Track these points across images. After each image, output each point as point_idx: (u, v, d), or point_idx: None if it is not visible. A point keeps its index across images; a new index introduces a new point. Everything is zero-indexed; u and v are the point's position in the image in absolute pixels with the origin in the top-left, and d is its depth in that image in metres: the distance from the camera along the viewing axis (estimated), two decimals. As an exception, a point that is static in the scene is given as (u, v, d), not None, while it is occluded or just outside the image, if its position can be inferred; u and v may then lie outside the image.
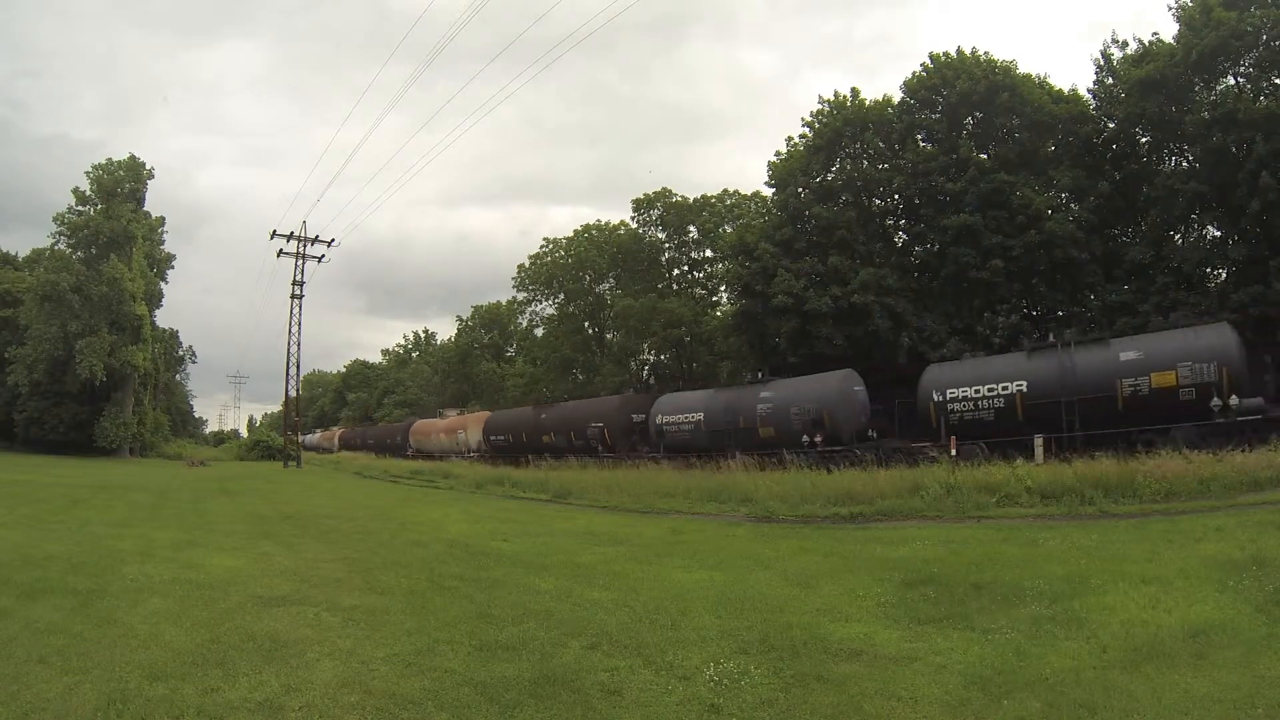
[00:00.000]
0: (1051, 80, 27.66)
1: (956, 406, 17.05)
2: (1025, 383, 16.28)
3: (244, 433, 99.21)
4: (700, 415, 21.77)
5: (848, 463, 16.53)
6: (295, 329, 41.97)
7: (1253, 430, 12.81)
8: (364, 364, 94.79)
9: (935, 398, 17.39)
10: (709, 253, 41.86)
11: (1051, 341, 16.98)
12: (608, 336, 45.19)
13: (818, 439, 18.41)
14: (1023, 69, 27.37)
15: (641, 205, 42.21)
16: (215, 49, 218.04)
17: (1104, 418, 14.99)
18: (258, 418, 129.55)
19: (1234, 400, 13.63)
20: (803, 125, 30.11)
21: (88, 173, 45.58)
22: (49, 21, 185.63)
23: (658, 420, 22.94)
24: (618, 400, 25.86)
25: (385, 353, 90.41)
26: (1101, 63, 26.61)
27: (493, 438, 30.78)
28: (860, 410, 19.30)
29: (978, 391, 16.88)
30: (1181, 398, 14.29)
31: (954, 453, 13.70)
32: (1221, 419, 13.59)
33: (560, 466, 21.63)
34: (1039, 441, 14.41)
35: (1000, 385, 16.67)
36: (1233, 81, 22.99)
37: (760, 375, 22.65)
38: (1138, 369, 14.98)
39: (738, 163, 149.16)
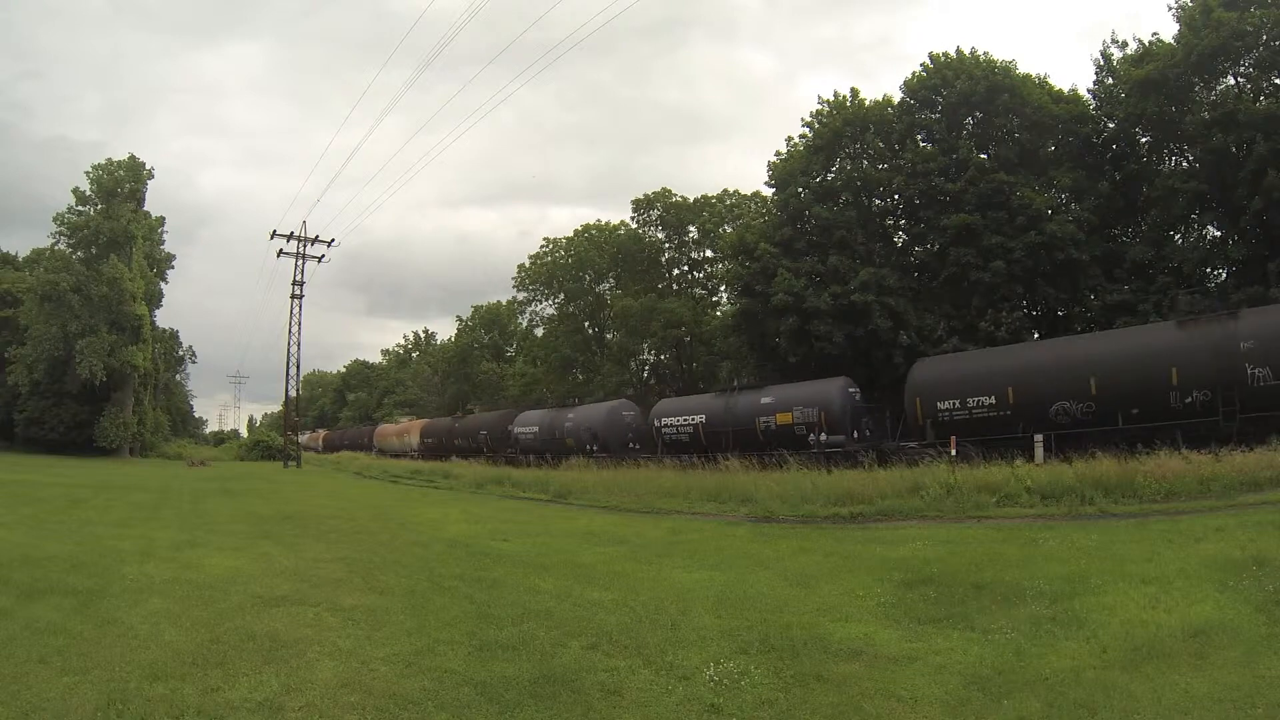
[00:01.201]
0: (1051, 80, 27.72)
1: (668, 429, 24.15)
2: (704, 416, 23.17)
3: (244, 433, 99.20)
4: (558, 423, 28.28)
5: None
6: (295, 329, 42.00)
7: (840, 456, 17.59)
8: (364, 364, 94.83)
9: (656, 423, 24.78)
10: (709, 253, 41.92)
11: (723, 388, 24.96)
12: (608, 336, 45.21)
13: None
14: (1022, 69, 27.42)
15: (641, 205, 42.23)
16: (216, 51, 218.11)
17: (750, 443, 20.54)
18: (258, 418, 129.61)
19: (823, 436, 19.05)
20: (803, 125, 30.19)
21: (88, 173, 45.62)
22: (50, 23, 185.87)
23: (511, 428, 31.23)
24: (496, 415, 35.22)
25: (385, 353, 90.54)
26: (1101, 63, 26.66)
27: (425, 440, 40.39)
28: (626, 428, 26.33)
29: (683, 419, 23.88)
30: (796, 432, 19.91)
31: (953, 453, 13.72)
32: (815, 449, 18.40)
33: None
34: (1039, 440, 14.45)
35: (694, 416, 23.54)
36: (1233, 81, 23.00)
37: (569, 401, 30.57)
38: (770, 410, 20.87)
39: (737, 164, 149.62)
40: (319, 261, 42.62)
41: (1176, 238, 25.13)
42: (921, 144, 27.71)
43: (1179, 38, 23.22)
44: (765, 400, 21.36)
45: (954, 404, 17.19)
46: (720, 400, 23.19)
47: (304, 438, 75.16)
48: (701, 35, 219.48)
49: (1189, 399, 13.97)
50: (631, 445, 24.89)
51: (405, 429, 44.89)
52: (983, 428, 16.31)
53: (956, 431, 16.11)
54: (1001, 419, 16.25)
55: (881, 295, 25.45)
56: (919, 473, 12.59)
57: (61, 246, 45.48)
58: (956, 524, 10.13)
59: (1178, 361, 14.19)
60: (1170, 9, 24.20)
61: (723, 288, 40.30)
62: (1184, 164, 24.73)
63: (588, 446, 25.10)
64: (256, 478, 29.27)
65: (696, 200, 41.55)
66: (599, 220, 47.61)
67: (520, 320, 55.12)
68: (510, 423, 31.18)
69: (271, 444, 53.88)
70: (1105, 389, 14.87)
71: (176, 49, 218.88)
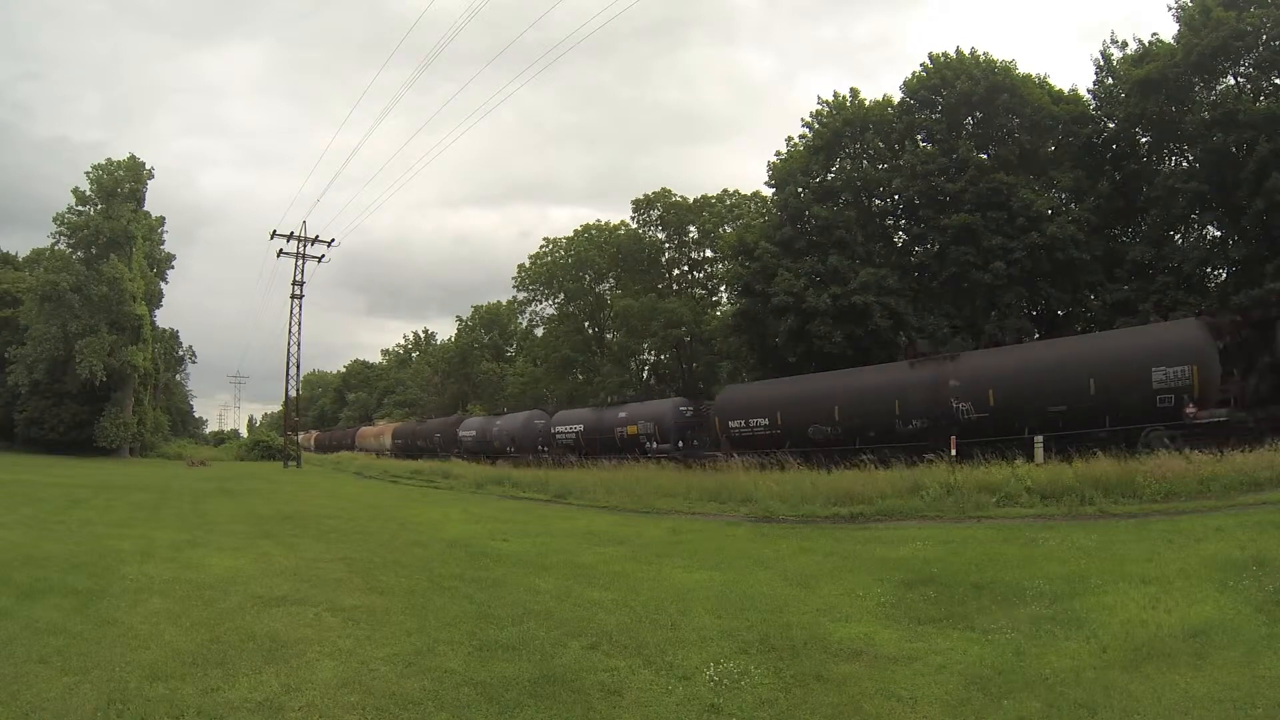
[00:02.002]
0: (1051, 80, 27.75)
1: (560, 435, 28.59)
2: (584, 425, 27.90)
3: (244, 433, 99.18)
4: (489, 428, 33.81)
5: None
6: (295, 329, 42.00)
7: (667, 459, 21.49)
8: (364, 364, 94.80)
9: (553, 429, 29.27)
10: (709, 253, 41.91)
11: (597, 404, 30.01)
12: (608, 336, 45.21)
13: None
14: (1022, 70, 27.44)
15: (641, 205, 42.23)
16: (216, 51, 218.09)
17: (611, 449, 25.33)
18: (258, 418, 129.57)
19: (655, 444, 24.25)
20: (802, 125, 30.21)
21: (88, 173, 45.55)
22: (51, 24, 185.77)
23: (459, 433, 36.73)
24: (444, 421, 41.77)
25: (385, 353, 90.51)
26: (1101, 63, 26.66)
27: (396, 440, 45.34)
28: (537, 434, 30.59)
29: (570, 428, 28.48)
30: (640, 441, 24.95)
31: (953, 453, 13.71)
32: (650, 454, 23.08)
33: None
34: (1038, 442, 14.44)
35: (576, 425, 28.20)
36: (1233, 81, 23.00)
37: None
38: (624, 423, 25.89)
39: (736, 165, 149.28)
40: (319, 261, 42.65)
41: (1177, 238, 25.14)
42: (921, 144, 27.73)
43: (1179, 38, 23.23)
44: (621, 415, 26.64)
45: (741, 423, 21.24)
46: (595, 414, 28.46)
47: (299, 438, 76.25)
48: (701, 36, 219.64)
49: (910, 425, 17.04)
50: (540, 449, 29.50)
51: (381, 431, 50.88)
52: (761, 443, 20.17)
53: (742, 445, 20.52)
54: (774, 436, 20.19)
55: (881, 295, 25.46)
56: (919, 473, 12.59)
57: (61, 246, 45.45)
58: (956, 524, 10.13)
59: (902, 395, 17.51)
60: (1170, 9, 24.24)
61: (723, 288, 40.31)
62: (1184, 164, 24.73)
63: (508, 449, 30.85)
64: (256, 478, 29.27)
65: (696, 200, 41.57)
66: (599, 220, 47.65)
67: (520, 320, 55.15)
68: (457, 427, 37.53)
69: (271, 444, 53.88)
70: (846, 416, 18.62)
71: (177, 49, 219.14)
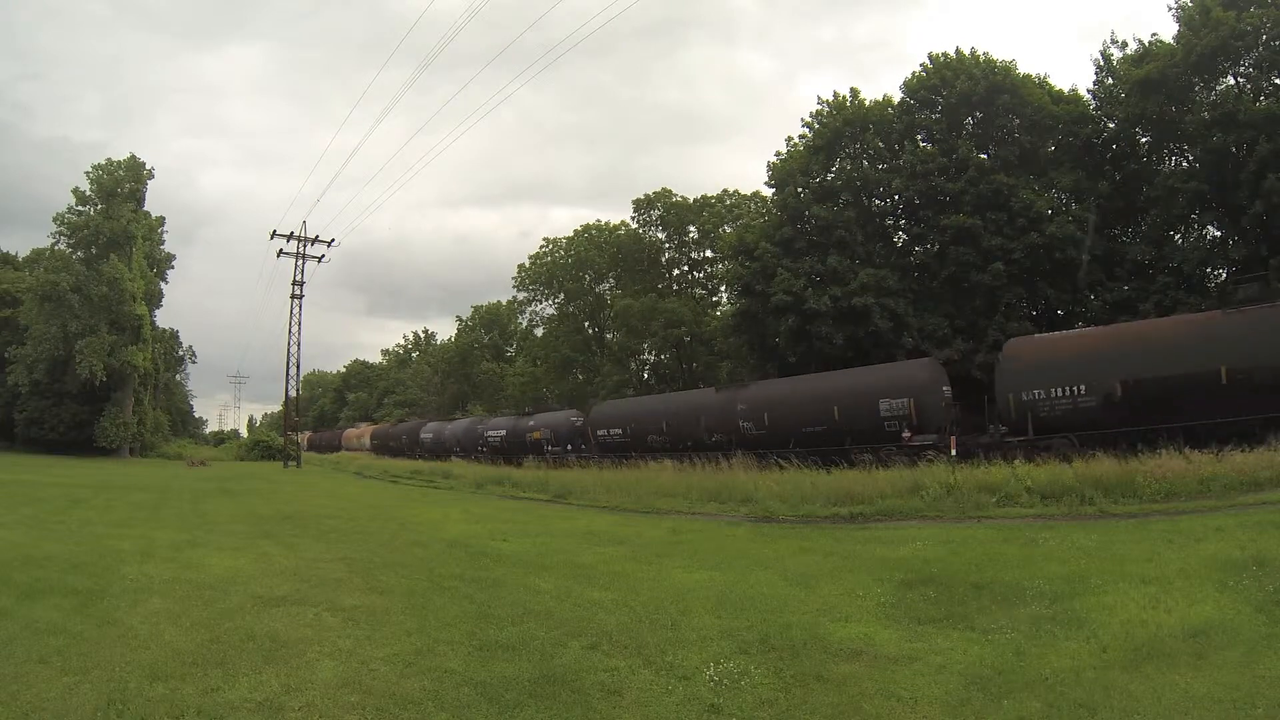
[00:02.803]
0: (1051, 81, 27.71)
1: (489, 438, 33.16)
2: (505, 430, 32.39)
3: (244, 433, 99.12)
4: (441, 432, 39.32)
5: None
6: (295, 329, 42.00)
7: (558, 459, 26.69)
8: (364, 364, 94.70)
9: (484, 433, 33.94)
10: (709, 253, 41.86)
11: (515, 413, 34.82)
12: (608, 336, 45.17)
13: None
14: (1022, 70, 27.39)
15: (641, 205, 42.17)
16: (216, 52, 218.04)
17: (524, 450, 29.88)
18: (258, 418, 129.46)
19: (552, 447, 28.66)
20: (802, 125, 30.16)
21: (87, 173, 45.54)
22: (51, 25, 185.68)
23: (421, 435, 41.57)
24: (409, 425, 45.93)
25: (385, 353, 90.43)
26: (1101, 63, 26.64)
27: (374, 441, 50.19)
28: (478, 437, 35.02)
29: (495, 432, 33.34)
30: (541, 444, 29.34)
31: (953, 452, 13.73)
32: (547, 455, 28.24)
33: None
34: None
35: (500, 430, 32.86)
36: (1233, 81, 23.00)
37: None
38: (531, 430, 30.29)
39: (736, 165, 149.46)
40: (319, 261, 42.66)
41: (1177, 238, 25.14)
42: (921, 144, 27.69)
43: (1179, 38, 23.21)
44: (530, 423, 30.88)
45: (605, 432, 26.31)
46: (512, 420, 33.28)
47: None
48: (701, 36, 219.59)
49: (713, 438, 21.50)
50: (480, 449, 33.96)
51: (362, 433, 56.39)
52: (619, 447, 24.74)
53: (607, 449, 25.24)
54: (626, 443, 24.74)
55: (881, 296, 25.43)
56: (919, 473, 12.62)
57: (61, 246, 45.44)
58: (956, 524, 10.13)
59: (707, 414, 22.17)
60: (1170, 9, 24.21)
61: (723, 288, 40.30)
62: (1184, 164, 24.72)
63: (455, 450, 35.92)
64: (256, 478, 29.28)
65: (696, 200, 41.50)
66: (599, 220, 47.60)
67: (520, 320, 55.08)
68: (419, 431, 42.62)
69: (271, 444, 53.87)
70: (672, 428, 23.44)
71: (177, 50, 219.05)
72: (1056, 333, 18.56)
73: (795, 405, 19.45)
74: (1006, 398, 15.79)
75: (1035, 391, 15.32)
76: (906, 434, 16.68)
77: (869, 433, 17.35)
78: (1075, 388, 14.96)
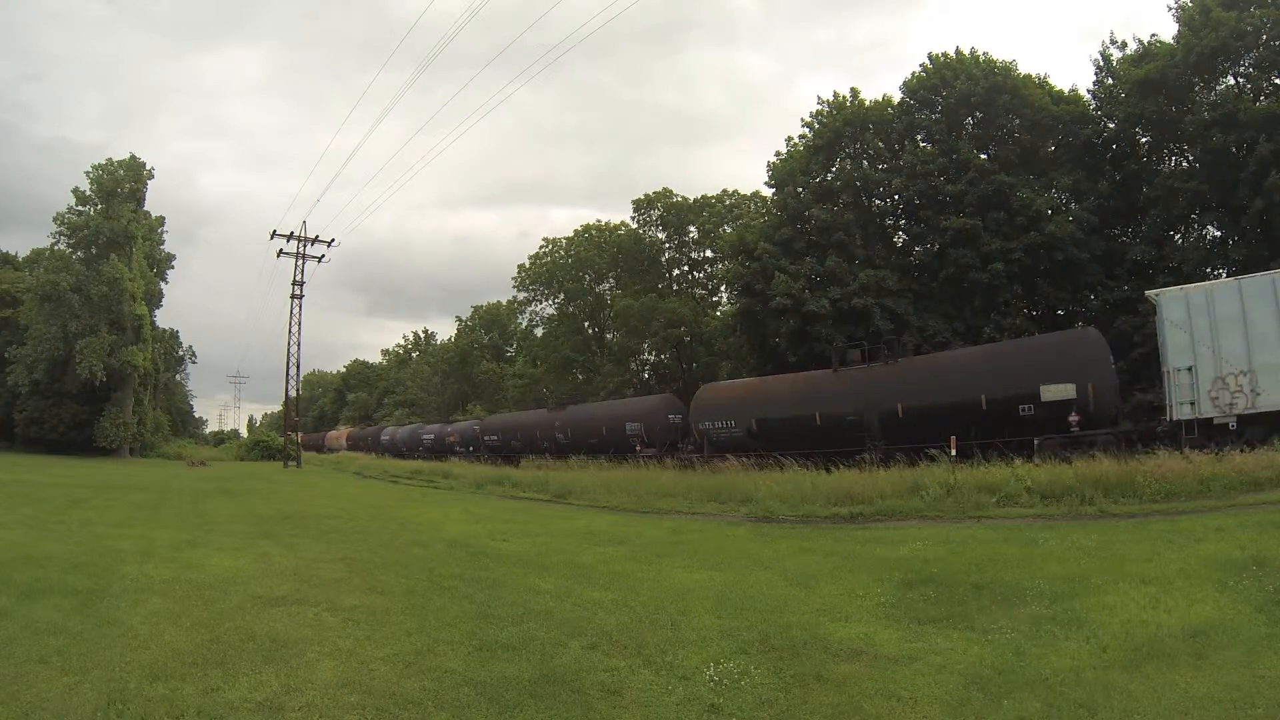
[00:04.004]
0: (1051, 81, 27.72)
1: (424, 439, 41.80)
2: (433, 435, 40.94)
3: (244, 433, 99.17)
4: (400, 434, 47.57)
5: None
6: (295, 329, 42.02)
7: (466, 457, 34.10)
8: (364, 364, 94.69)
9: (424, 436, 42.28)
10: (709, 253, 41.87)
11: (441, 421, 43.22)
12: (608, 336, 45.16)
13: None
14: (1022, 70, 27.41)
15: (641, 205, 42.18)
16: (217, 53, 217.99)
17: (448, 451, 37.15)
18: (258, 418, 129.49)
19: (460, 447, 36.85)
20: (802, 125, 30.17)
21: (88, 173, 45.61)
22: (51, 26, 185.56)
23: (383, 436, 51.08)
24: (374, 429, 57.18)
25: (385, 353, 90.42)
26: (1101, 63, 26.65)
27: (350, 440, 58.24)
28: (418, 439, 43.61)
29: (430, 435, 41.91)
30: (455, 446, 37.07)
31: (953, 452, 13.69)
32: (458, 452, 36.16)
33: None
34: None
35: (431, 434, 41.34)
36: (1233, 81, 22.99)
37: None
38: (449, 434, 38.50)
39: (736, 165, 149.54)
40: (319, 261, 42.70)
41: (1177, 238, 25.13)
42: (921, 144, 27.70)
43: (1178, 38, 23.21)
44: (449, 430, 39.29)
45: (494, 437, 33.40)
46: (439, 426, 41.77)
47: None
48: (700, 38, 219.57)
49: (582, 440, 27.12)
50: (420, 448, 41.19)
51: (341, 434, 64.61)
52: (496, 449, 32.11)
53: (495, 452, 32.15)
54: (510, 446, 31.38)
55: (881, 297, 25.42)
56: (919, 473, 12.60)
57: (61, 246, 45.48)
58: (956, 524, 10.12)
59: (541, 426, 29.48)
60: (1170, 9, 24.23)
61: (723, 288, 40.29)
62: (1184, 164, 24.72)
63: (404, 449, 43.17)
64: (256, 478, 29.28)
65: (696, 200, 41.50)
66: (599, 220, 47.61)
67: (520, 320, 55.08)
68: (380, 434, 51.41)
69: (271, 444, 53.88)
70: (567, 432, 28.18)
71: (177, 51, 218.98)
72: (724, 382, 26.41)
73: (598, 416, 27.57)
74: (694, 427, 22.09)
75: (709, 423, 21.44)
76: (644, 447, 23.57)
77: (658, 437, 24.01)
78: (730, 422, 20.90)
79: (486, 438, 34.00)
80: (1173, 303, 14.30)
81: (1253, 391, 12.86)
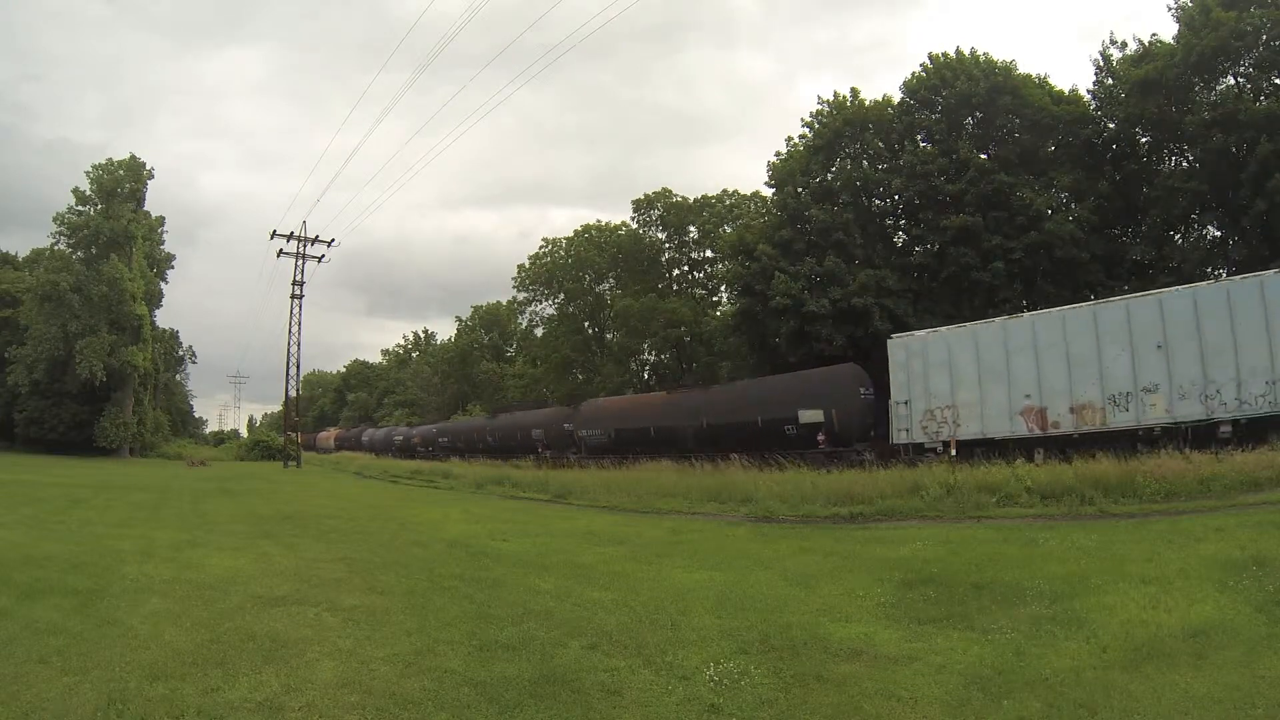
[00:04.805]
0: (1052, 81, 27.71)
1: (396, 439, 47.91)
2: (403, 436, 49.34)
3: (244, 433, 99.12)
4: (378, 435, 55.14)
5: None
6: (295, 329, 42.03)
7: (430, 455, 40.51)
8: (364, 364, 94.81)
9: (395, 438, 49.12)
10: (709, 253, 41.88)
11: (408, 424, 54.86)
12: (608, 336, 45.17)
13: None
14: (1022, 70, 27.40)
15: (641, 205, 42.20)
16: (217, 54, 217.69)
17: (414, 452, 42.84)
18: (258, 418, 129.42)
19: (420, 447, 44.56)
20: (802, 125, 30.17)
21: (88, 173, 45.62)
22: (51, 26, 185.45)
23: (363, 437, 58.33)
24: (356, 430, 64.21)
25: (385, 353, 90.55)
26: (1101, 63, 26.64)
27: (337, 440, 64.52)
28: (390, 440, 50.93)
29: (400, 436, 49.72)
30: (419, 447, 44.06)
31: (954, 453, 13.75)
32: (419, 452, 43.21)
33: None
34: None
35: (400, 436, 50.09)
36: (1233, 82, 22.99)
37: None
38: (413, 435, 47.21)
39: (736, 165, 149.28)
40: (319, 261, 42.71)
41: (1177, 238, 25.14)
42: (921, 144, 27.69)
43: (1178, 38, 23.21)
44: (414, 432, 46.09)
45: (448, 439, 40.01)
46: (406, 429, 48.20)
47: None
48: (700, 38, 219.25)
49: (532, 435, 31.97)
50: (392, 448, 47.09)
51: (330, 435, 70.70)
52: (450, 448, 38.11)
53: (447, 450, 37.83)
54: (445, 446, 38.26)
55: (881, 297, 25.42)
56: (919, 473, 12.62)
57: (61, 246, 45.49)
58: (956, 524, 10.12)
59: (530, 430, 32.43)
60: (1170, 9, 24.22)
61: (723, 288, 40.30)
62: (1184, 164, 24.72)
63: (380, 449, 48.71)
64: (256, 478, 29.28)
65: (696, 200, 41.52)
66: (599, 220, 47.63)
67: (520, 320, 55.11)
68: (361, 434, 58.56)
69: (271, 444, 53.88)
70: (498, 438, 34.17)
71: (178, 51, 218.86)
72: (600, 400, 30.86)
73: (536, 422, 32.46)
74: (576, 434, 27.78)
75: (586, 431, 27.43)
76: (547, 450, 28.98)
77: (559, 444, 29.36)
78: (598, 431, 26.67)
79: (440, 439, 41.77)
80: (898, 347, 17.89)
81: (954, 423, 16.15)
